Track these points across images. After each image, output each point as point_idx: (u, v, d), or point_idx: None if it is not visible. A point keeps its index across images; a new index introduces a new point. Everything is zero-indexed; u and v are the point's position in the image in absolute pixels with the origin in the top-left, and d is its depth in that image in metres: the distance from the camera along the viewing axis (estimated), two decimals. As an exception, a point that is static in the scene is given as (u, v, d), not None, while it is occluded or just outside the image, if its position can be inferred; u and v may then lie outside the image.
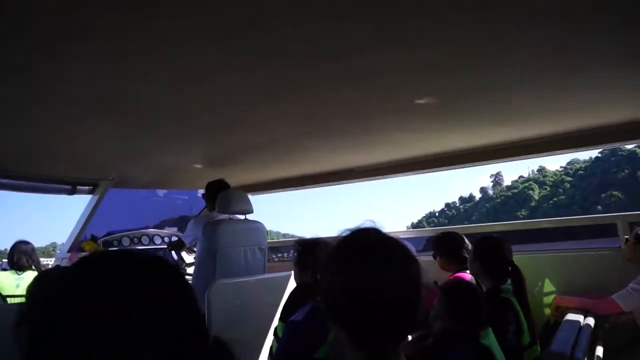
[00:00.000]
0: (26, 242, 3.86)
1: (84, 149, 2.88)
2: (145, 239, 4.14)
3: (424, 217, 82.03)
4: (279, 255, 4.68)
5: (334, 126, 2.57)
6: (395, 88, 1.95)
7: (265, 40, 1.43)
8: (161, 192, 4.92)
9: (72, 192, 3.70)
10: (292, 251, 4.97)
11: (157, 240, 4.20)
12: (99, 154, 3.06)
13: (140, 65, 1.61)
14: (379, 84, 1.89)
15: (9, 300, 3.25)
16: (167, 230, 4.52)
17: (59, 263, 3.96)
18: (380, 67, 1.70)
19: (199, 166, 3.47)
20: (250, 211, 3.18)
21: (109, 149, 2.92)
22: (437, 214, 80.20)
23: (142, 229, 4.43)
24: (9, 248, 3.66)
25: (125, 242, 4.02)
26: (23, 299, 2.87)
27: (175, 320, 0.52)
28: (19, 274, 3.45)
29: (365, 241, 0.86)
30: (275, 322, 2.66)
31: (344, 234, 0.89)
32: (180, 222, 5.09)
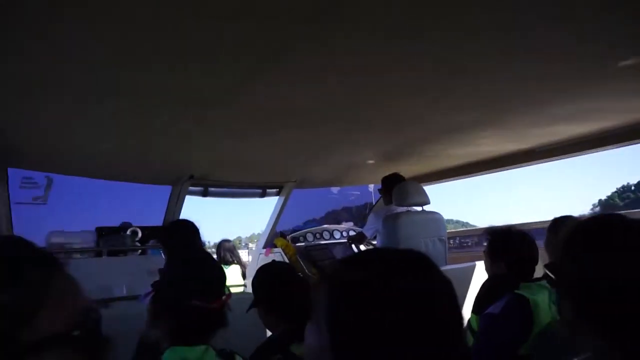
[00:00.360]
0: (228, 241, 4.52)
1: (272, 156, 3.22)
2: (326, 234, 4.40)
3: (616, 192, 70.31)
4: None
5: (514, 107, 2.38)
6: (590, 54, 1.72)
7: (435, 33, 1.41)
8: (335, 189, 5.21)
9: (262, 195, 4.17)
10: (457, 239, 4.79)
11: (337, 235, 4.44)
12: (284, 160, 3.40)
13: (318, 73, 1.73)
14: (570, 53, 1.69)
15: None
16: (344, 225, 4.75)
17: (257, 258, 4.48)
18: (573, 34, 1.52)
19: (371, 162, 3.57)
20: (427, 202, 3.16)
21: (292, 153, 3.22)
22: (632, 188, 68.11)
23: (319, 224, 4.74)
24: (207, 241, 4.26)
25: (309, 237, 4.33)
26: (236, 289, 3.35)
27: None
28: (226, 268, 4.04)
29: (613, 230, 0.80)
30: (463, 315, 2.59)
31: (579, 220, 0.84)
32: (354, 216, 5.31)
